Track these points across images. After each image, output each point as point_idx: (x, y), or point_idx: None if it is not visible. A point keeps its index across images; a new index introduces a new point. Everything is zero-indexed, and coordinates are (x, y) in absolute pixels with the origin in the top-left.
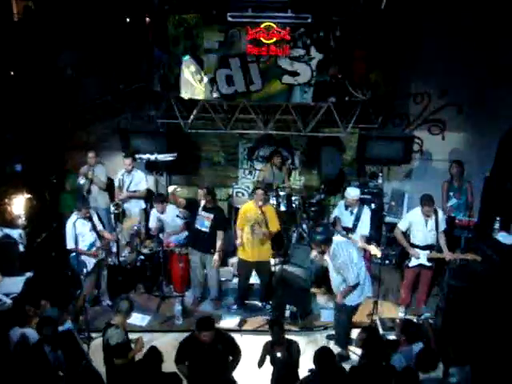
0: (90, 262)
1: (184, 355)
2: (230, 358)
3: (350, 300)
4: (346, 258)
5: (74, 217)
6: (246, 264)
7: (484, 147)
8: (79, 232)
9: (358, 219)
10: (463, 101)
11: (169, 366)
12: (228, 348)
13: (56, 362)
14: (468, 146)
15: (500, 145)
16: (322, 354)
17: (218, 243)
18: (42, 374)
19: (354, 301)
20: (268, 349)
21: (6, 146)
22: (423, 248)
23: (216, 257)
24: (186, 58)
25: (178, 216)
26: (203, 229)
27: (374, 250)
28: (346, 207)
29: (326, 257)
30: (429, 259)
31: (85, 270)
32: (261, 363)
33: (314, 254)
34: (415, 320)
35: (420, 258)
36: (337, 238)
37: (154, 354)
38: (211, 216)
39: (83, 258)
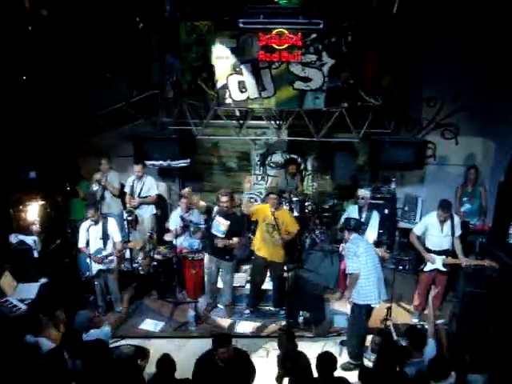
0: (95, 267)
1: (201, 374)
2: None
3: (360, 298)
4: (352, 249)
5: (88, 222)
6: (258, 259)
7: (498, 151)
8: (91, 237)
9: (366, 224)
10: (476, 105)
11: (181, 372)
12: (244, 368)
13: (73, 370)
14: (482, 150)
15: None
16: (323, 360)
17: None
18: (55, 381)
19: (364, 300)
20: (279, 362)
21: (21, 153)
22: (438, 253)
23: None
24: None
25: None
26: (219, 234)
27: (382, 253)
28: (360, 209)
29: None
30: (444, 264)
31: (88, 273)
32: (279, 380)
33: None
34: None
35: (436, 262)
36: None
37: (167, 361)
38: (227, 223)
39: (89, 260)
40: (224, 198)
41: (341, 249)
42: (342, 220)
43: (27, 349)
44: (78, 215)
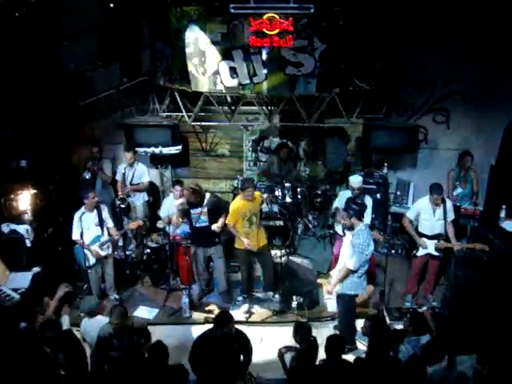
0: (93, 256)
1: (199, 352)
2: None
3: (351, 288)
4: (365, 244)
5: (81, 210)
6: (246, 253)
7: (489, 135)
8: (85, 226)
9: (365, 210)
10: (468, 89)
11: (176, 358)
12: (242, 347)
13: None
14: (473, 134)
15: (505, 133)
16: (332, 341)
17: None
18: (41, 372)
19: (353, 290)
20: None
21: (11, 142)
22: (431, 237)
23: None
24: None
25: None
26: (204, 224)
27: (376, 236)
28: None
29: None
30: (436, 249)
31: (87, 263)
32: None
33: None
34: (419, 310)
35: (428, 247)
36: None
37: (160, 348)
38: (204, 209)
39: (86, 251)
40: (186, 193)
41: (337, 229)
42: (334, 205)
43: (21, 337)
44: None
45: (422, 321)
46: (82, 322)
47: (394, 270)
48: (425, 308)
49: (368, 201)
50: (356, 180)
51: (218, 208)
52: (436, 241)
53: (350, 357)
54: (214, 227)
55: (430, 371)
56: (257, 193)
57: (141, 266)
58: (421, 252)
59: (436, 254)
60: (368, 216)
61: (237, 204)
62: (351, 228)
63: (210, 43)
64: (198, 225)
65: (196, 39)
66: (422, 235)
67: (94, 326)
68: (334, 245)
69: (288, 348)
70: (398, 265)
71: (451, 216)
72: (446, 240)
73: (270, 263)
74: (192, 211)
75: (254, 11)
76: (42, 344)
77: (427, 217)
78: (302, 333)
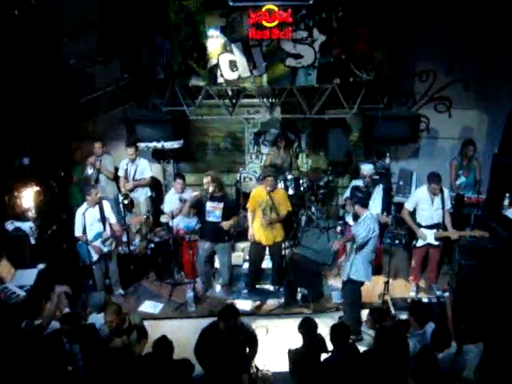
0: (95, 253)
1: (204, 345)
2: (247, 349)
3: (357, 275)
4: (369, 228)
5: (84, 206)
6: (258, 247)
7: (491, 123)
8: (88, 222)
9: (369, 199)
10: (469, 77)
11: (181, 352)
12: (248, 339)
13: (70, 355)
14: (475, 122)
15: (508, 120)
16: (336, 330)
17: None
18: (50, 366)
19: (359, 277)
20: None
21: (13, 140)
22: (430, 227)
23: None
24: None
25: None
26: (215, 220)
27: (383, 219)
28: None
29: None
30: (436, 238)
31: (90, 259)
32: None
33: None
34: (434, 299)
35: (427, 238)
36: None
37: (164, 343)
38: (221, 205)
39: (89, 247)
40: (205, 180)
41: (347, 219)
42: (345, 196)
43: (26, 334)
44: (73, 201)
45: (422, 309)
46: (89, 317)
47: (399, 260)
48: (447, 294)
49: (379, 191)
50: (367, 168)
51: (233, 207)
52: (435, 230)
53: None
54: (224, 224)
55: (440, 357)
56: (280, 191)
57: (145, 261)
58: (420, 242)
59: (436, 243)
60: (378, 207)
61: (255, 191)
62: (357, 216)
63: (210, 37)
64: (211, 219)
65: (195, 33)
66: (421, 226)
67: (101, 321)
68: (343, 235)
69: None
70: (402, 255)
71: (448, 204)
72: (444, 229)
73: (279, 258)
74: (208, 203)
75: (253, 3)
76: (55, 338)
77: (426, 206)
78: (307, 328)
